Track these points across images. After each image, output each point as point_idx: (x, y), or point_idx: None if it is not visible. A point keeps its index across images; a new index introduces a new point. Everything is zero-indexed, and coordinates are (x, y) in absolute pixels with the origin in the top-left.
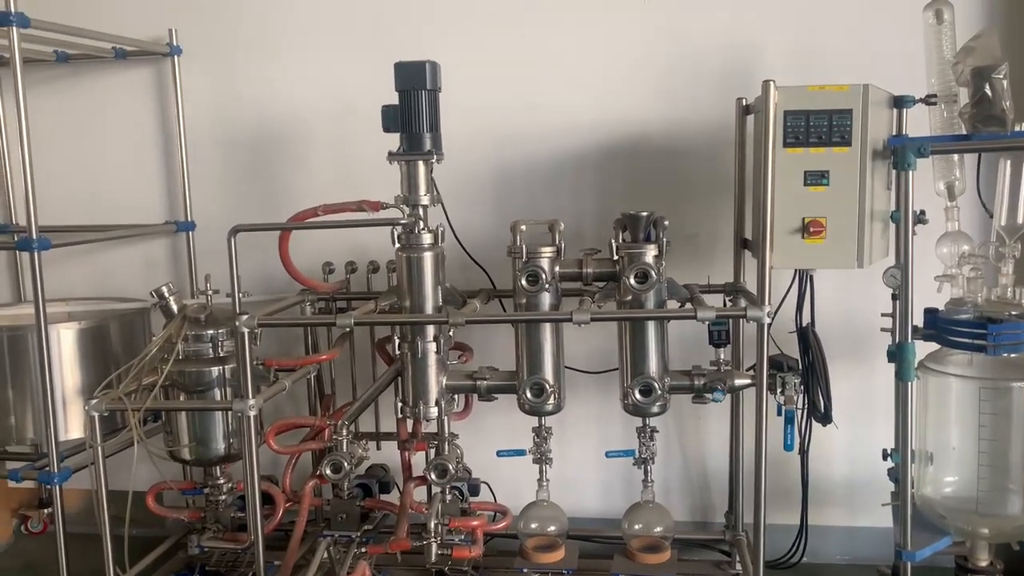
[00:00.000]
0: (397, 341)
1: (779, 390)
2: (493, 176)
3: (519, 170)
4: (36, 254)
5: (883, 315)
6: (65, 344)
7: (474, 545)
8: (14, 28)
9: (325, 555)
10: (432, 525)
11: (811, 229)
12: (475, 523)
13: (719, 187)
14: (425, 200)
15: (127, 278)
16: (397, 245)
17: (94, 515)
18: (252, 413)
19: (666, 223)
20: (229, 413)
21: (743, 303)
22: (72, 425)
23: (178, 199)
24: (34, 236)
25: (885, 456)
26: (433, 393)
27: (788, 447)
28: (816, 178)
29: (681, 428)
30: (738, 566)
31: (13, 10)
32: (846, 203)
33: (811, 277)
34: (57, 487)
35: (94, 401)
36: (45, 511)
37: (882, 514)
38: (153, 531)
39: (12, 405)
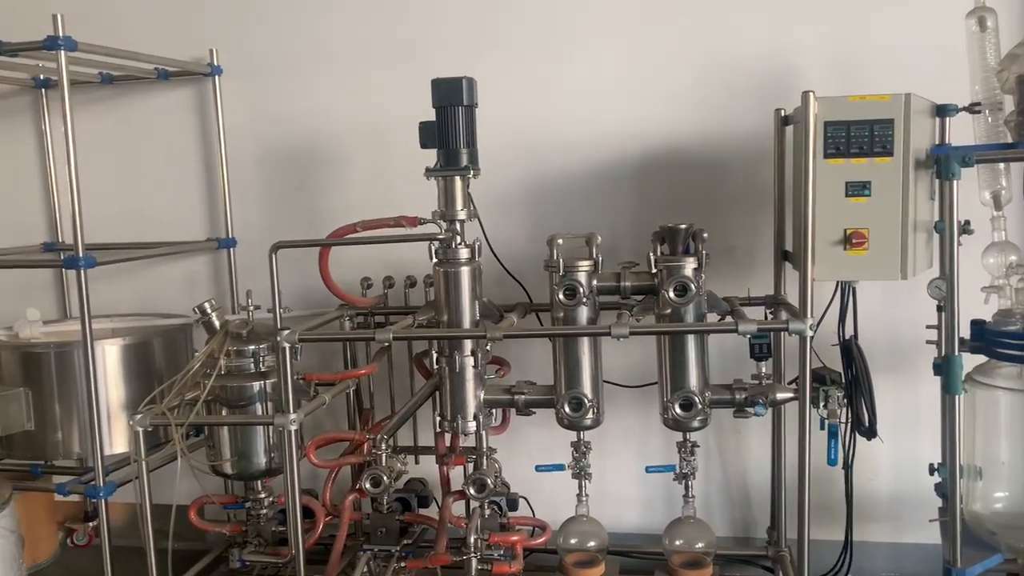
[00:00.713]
0: (435, 355)
1: (822, 404)
2: (529, 190)
3: (555, 184)
4: (82, 272)
5: (928, 327)
6: (110, 360)
7: (514, 560)
8: (62, 52)
9: (365, 569)
10: (472, 540)
11: (853, 240)
12: (515, 538)
13: (757, 199)
14: (462, 215)
15: (169, 294)
16: (434, 260)
17: (137, 528)
18: (293, 428)
19: (705, 235)
20: (270, 428)
21: (784, 316)
22: (116, 439)
23: (219, 216)
24: (80, 254)
25: (932, 471)
26: (471, 407)
27: (832, 462)
28: (858, 189)
29: (721, 443)
30: None
31: (61, 34)
32: (889, 214)
33: (854, 289)
34: (103, 501)
35: (138, 416)
36: (90, 524)
37: (929, 530)
38: (195, 544)
39: (59, 420)
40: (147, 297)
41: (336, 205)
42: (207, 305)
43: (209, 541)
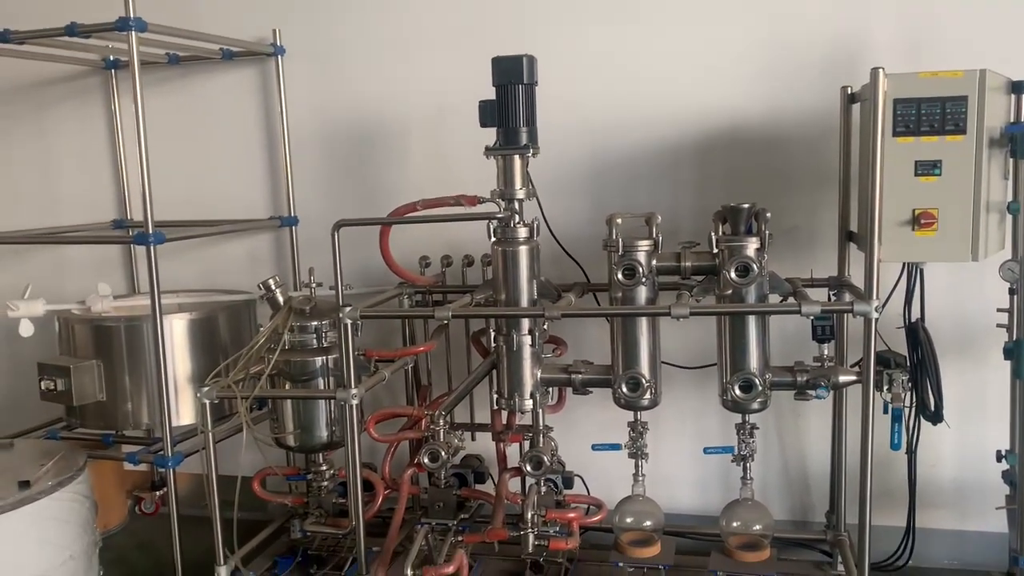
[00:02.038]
0: (492, 334)
1: (886, 387)
2: (589, 169)
3: (615, 163)
4: (152, 248)
5: (999, 311)
6: (177, 334)
7: (570, 537)
8: (133, 32)
9: (423, 542)
10: (529, 516)
11: (922, 221)
12: (571, 515)
13: (821, 178)
14: (521, 194)
15: (233, 271)
16: (493, 239)
17: (202, 498)
18: (355, 402)
19: (768, 215)
20: (332, 402)
21: (848, 297)
22: (183, 411)
23: (282, 195)
24: (150, 231)
25: (999, 458)
26: (528, 386)
27: (895, 446)
28: (927, 168)
29: (780, 425)
30: (840, 567)
31: (132, 15)
32: (960, 193)
33: (921, 271)
34: (171, 470)
35: (205, 389)
36: (157, 493)
37: (993, 518)
38: (255, 515)
39: (129, 392)
40: (211, 274)
41: (396, 184)
42: (271, 282)
43: (270, 512)
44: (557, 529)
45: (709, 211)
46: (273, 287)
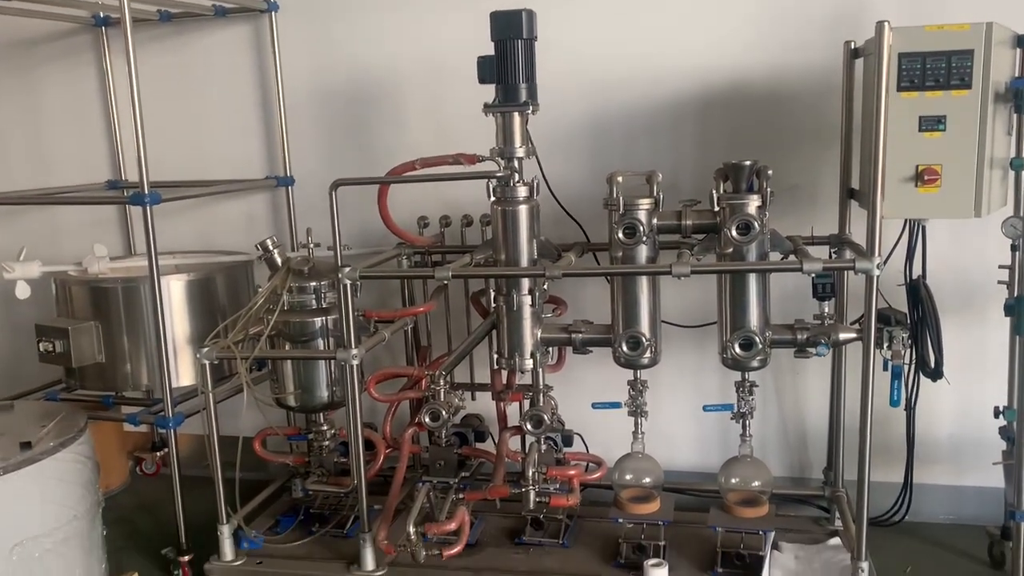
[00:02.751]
0: (492, 294)
1: (886, 344)
2: (588, 127)
3: (616, 120)
4: (148, 209)
5: (1000, 267)
6: (175, 295)
7: (571, 494)
8: None
9: (425, 500)
10: (530, 473)
11: (925, 177)
12: (572, 472)
13: (823, 135)
14: (520, 152)
15: (229, 232)
16: (492, 198)
17: (202, 458)
18: (355, 362)
19: (770, 173)
20: (332, 362)
21: (849, 255)
22: (183, 372)
23: (277, 155)
24: (146, 191)
25: (997, 414)
26: (528, 345)
27: (895, 403)
28: (932, 123)
29: (779, 383)
30: (837, 522)
31: None
32: (964, 149)
33: (923, 228)
34: (172, 431)
35: (205, 350)
36: (158, 454)
37: (990, 473)
38: (257, 474)
39: (128, 353)
40: (208, 235)
41: (393, 143)
42: (269, 242)
43: (272, 471)
44: (557, 486)
45: (710, 169)
46: (271, 247)
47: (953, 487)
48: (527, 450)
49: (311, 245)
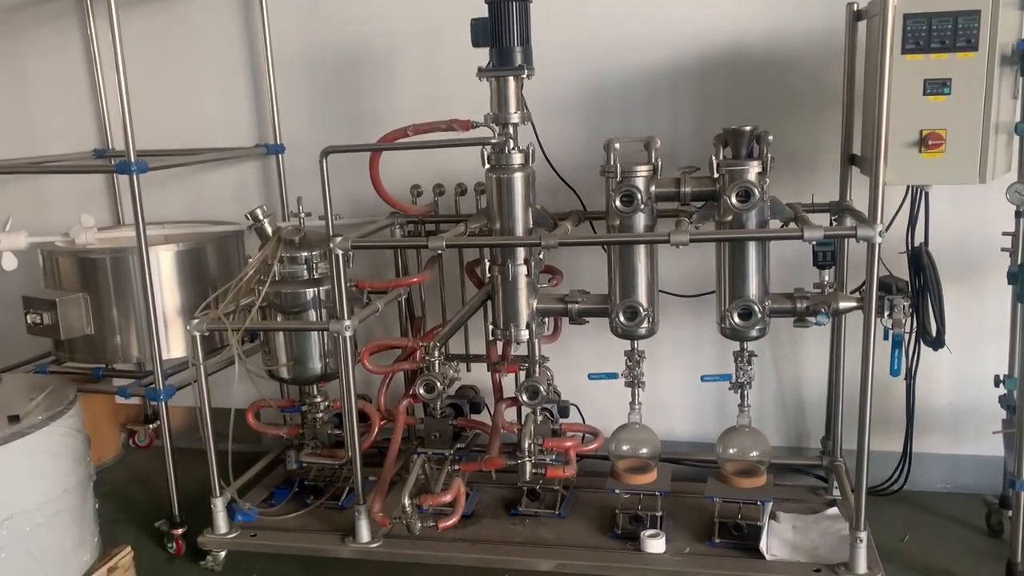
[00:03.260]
0: (487, 264)
1: (887, 313)
2: (584, 93)
3: (612, 86)
4: (135, 177)
5: (1004, 234)
6: (164, 266)
7: (567, 465)
8: None
9: (420, 471)
10: (526, 445)
11: (930, 142)
12: (568, 444)
13: (823, 100)
14: (516, 118)
15: (219, 201)
16: (487, 166)
17: (195, 431)
18: (348, 333)
19: (770, 138)
20: (325, 333)
21: (849, 222)
22: (174, 344)
23: (267, 122)
24: (132, 159)
25: (997, 382)
26: (524, 316)
27: (895, 372)
28: (937, 87)
29: (777, 352)
30: (835, 491)
31: None
32: (969, 113)
33: (926, 194)
34: (163, 403)
35: (195, 321)
36: (151, 426)
37: (988, 442)
38: (250, 446)
39: (117, 325)
40: (198, 204)
41: (385, 109)
42: (259, 211)
43: (265, 443)
44: (553, 457)
45: (708, 135)
46: (261, 217)
47: (951, 456)
48: (523, 422)
49: (302, 214)
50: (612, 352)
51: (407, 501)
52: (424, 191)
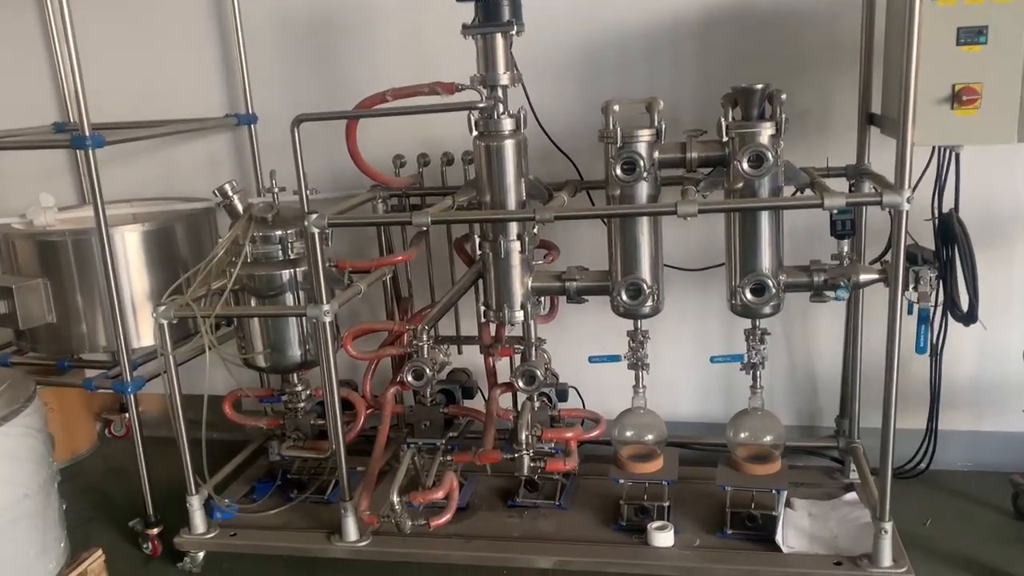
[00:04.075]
0: (478, 240)
1: (912, 286)
2: (578, 51)
3: (608, 44)
4: (91, 152)
5: None
6: (130, 247)
7: (568, 457)
8: None
9: (411, 463)
10: (523, 437)
11: (963, 97)
12: (569, 434)
13: (837, 56)
14: (505, 80)
15: (191, 177)
16: (475, 133)
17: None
18: (327, 319)
19: (783, 97)
20: (304, 319)
21: (868, 187)
22: (144, 331)
23: (238, 91)
24: (87, 133)
25: None
26: (518, 296)
27: (920, 349)
28: (971, 36)
29: (787, 327)
30: (852, 474)
31: None
32: (1007, 65)
33: (957, 155)
34: (132, 396)
35: (162, 308)
36: (127, 415)
37: (1012, 418)
38: (232, 435)
39: (82, 312)
40: (168, 181)
41: (364, 75)
42: (228, 187)
43: (247, 432)
44: (551, 446)
45: (712, 96)
46: (231, 193)
47: (972, 432)
48: (519, 410)
49: (275, 189)
50: (612, 330)
51: (396, 498)
52: (408, 161)
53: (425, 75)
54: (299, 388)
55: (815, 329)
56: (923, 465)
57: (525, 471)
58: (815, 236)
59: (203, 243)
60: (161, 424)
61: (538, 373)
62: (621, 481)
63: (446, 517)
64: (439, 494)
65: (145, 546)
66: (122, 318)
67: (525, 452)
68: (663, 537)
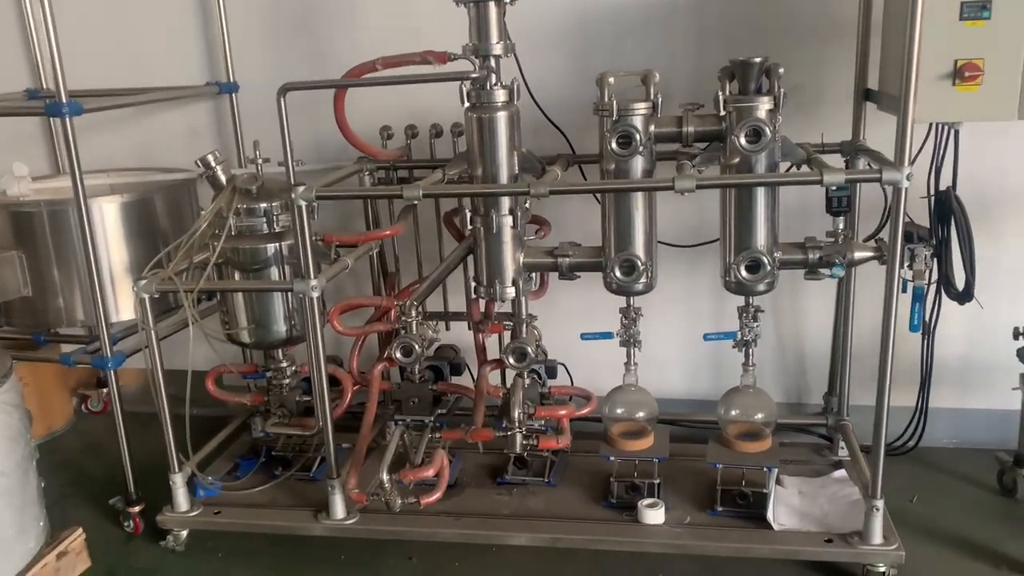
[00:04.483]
0: (468, 214)
1: (907, 264)
2: (569, 23)
3: (600, 16)
4: (68, 120)
5: None
6: (108, 219)
7: (561, 435)
8: None
9: (400, 441)
10: (515, 415)
11: (966, 74)
12: (562, 412)
13: (831, 29)
14: (498, 49)
15: (171, 147)
16: (466, 104)
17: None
18: (315, 294)
19: (781, 71)
20: (290, 294)
21: (862, 163)
22: (123, 305)
23: (219, 58)
24: (64, 99)
25: (1017, 335)
26: (510, 271)
27: (914, 327)
28: (975, 10)
29: (775, 304)
30: (840, 451)
31: None
32: (1010, 41)
33: (956, 132)
34: (112, 372)
35: (143, 282)
36: (104, 390)
37: (997, 396)
38: (214, 411)
39: (59, 285)
40: (147, 151)
41: (349, 43)
42: (211, 157)
43: (230, 408)
44: (541, 423)
45: (704, 70)
46: (213, 164)
47: (958, 410)
48: (511, 388)
49: (259, 160)
50: (602, 305)
51: (386, 476)
52: (395, 133)
53: (411, 44)
54: (284, 364)
55: (803, 307)
56: (912, 443)
57: (517, 449)
58: (804, 213)
59: (183, 215)
60: (139, 400)
61: (529, 350)
62: (612, 459)
63: (436, 495)
64: (430, 472)
65: (126, 524)
66: (101, 292)
67: (518, 430)
68: (654, 514)
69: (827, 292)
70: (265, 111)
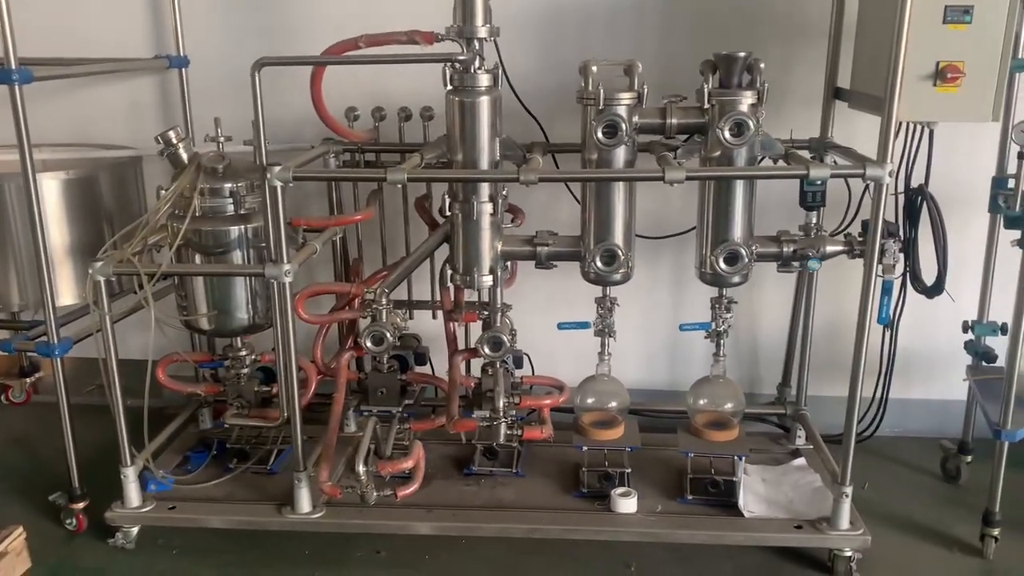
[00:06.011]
0: (446, 200)
1: (877, 258)
2: (541, 11)
3: (568, 7)
4: (18, 88)
5: (1006, 177)
6: (49, 196)
7: (544, 425)
8: None
9: (372, 434)
10: (500, 404)
11: (947, 75)
12: (546, 401)
13: (801, 28)
14: (483, 32)
15: (110, 122)
16: (449, 87)
17: (83, 384)
18: (288, 279)
19: (762, 66)
20: (254, 279)
21: (829, 158)
22: (62, 289)
23: (167, 30)
24: (14, 66)
25: (966, 328)
26: (487, 260)
27: (883, 320)
28: (958, 14)
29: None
30: (798, 440)
31: None
32: (990, 44)
33: (931, 132)
34: (58, 360)
35: (99, 264)
36: (28, 380)
37: (937, 387)
38: (156, 402)
39: None
40: (83, 126)
41: (304, 16)
42: (172, 134)
43: (167, 399)
44: (514, 414)
45: (673, 62)
46: (175, 141)
47: (899, 400)
48: (496, 378)
49: (221, 139)
50: (566, 296)
51: (362, 468)
52: (361, 115)
53: (369, 21)
54: (243, 353)
55: (758, 298)
56: (869, 432)
57: (501, 439)
58: (775, 207)
59: (128, 194)
60: (71, 390)
61: (505, 339)
62: (584, 448)
63: (413, 487)
64: (408, 464)
65: (68, 522)
66: (47, 274)
67: (503, 420)
68: (627, 503)
69: (781, 284)
70: (214, 87)
